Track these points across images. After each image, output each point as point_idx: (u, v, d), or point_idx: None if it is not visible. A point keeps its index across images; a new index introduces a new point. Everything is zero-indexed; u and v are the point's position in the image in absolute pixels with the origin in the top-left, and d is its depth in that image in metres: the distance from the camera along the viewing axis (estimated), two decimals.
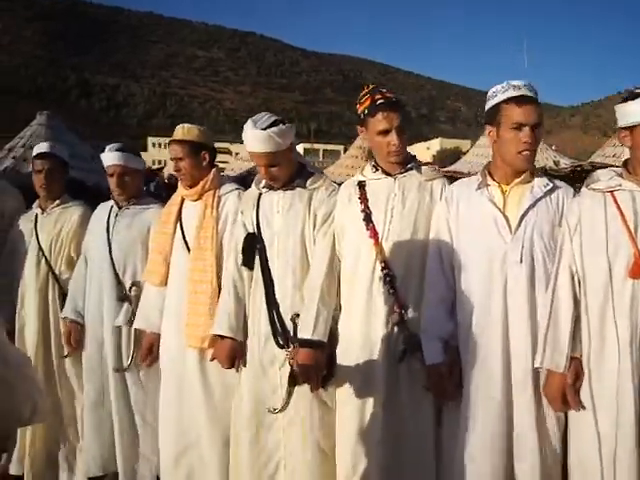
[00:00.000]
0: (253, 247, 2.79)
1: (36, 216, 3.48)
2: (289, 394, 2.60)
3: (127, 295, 3.18)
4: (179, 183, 3.13)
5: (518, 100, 2.30)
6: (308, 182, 2.79)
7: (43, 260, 3.40)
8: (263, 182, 2.84)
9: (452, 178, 2.90)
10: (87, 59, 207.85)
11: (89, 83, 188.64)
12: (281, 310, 2.70)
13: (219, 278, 2.91)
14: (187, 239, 3.01)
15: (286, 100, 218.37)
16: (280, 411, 2.63)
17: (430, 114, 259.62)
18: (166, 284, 3.04)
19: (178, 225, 3.07)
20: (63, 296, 3.37)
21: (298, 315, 2.65)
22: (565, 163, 15.50)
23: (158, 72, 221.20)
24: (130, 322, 3.16)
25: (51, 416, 3.30)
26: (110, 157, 3.27)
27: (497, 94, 2.36)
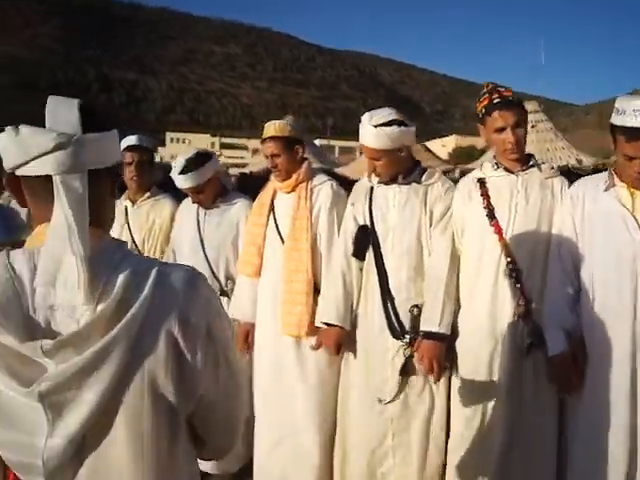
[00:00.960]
0: (366, 239, 2.83)
1: (126, 208, 3.52)
2: (400, 385, 2.67)
3: (225, 290, 3.26)
4: (271, 176, 3.23)
5: None
6: (423, 178, 2.83)
7: (136, 252, 3.46)
8: (375, 175, 2.94)
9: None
10: (106, 54, 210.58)
11: (108, 78, 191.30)
12: (396, 302, 2.75)
13: (314, 268, 2.98)
14: (280, 230, 3.08)
15: (302, 96, 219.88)
16: (390, 402, 2.69)
17: (445, 111, 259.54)
18: (259, 275, 3.10)
19: (271, 217, 3.13)
20: None
21: (416, 306, 2.70)
22: (588, 161, 15.57)
23: (176, 68, 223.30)
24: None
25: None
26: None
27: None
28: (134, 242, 3.40)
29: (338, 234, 2.99)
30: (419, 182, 2.81)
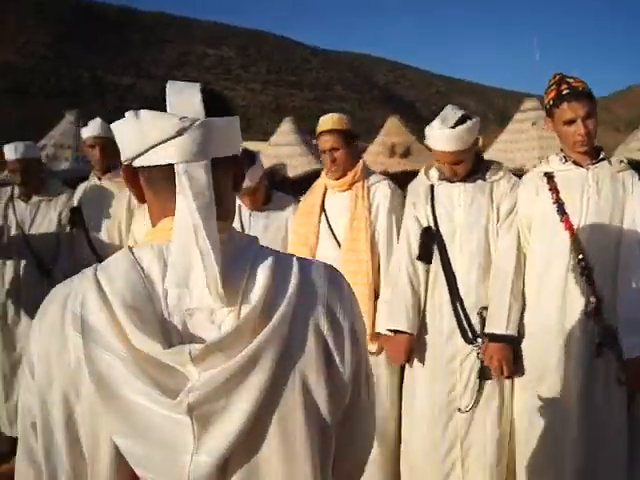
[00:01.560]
0: (431, 241, 2.76)
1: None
2: (479, 390, 2.61)
3: None
4: (322, 173, 3.09)
5: None
6: (487, 174, 2.79)
7: None
8: (434, 173, 2.86)
9: None
10: (100, 59, 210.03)
11: (102, 83, 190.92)
12: (465, 304, 2.68)
13: (374, 270, 2.87)
14: (335, 231, 2.99)
15: (296, 97, 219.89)
16: (471, 408, 2.63)
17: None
18: None
19: (323, 217, 3.02)
20: None
21: (486, 308, 2.64)
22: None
23: (171, 71, 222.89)
24: None
25: None
26: None
27: None
28: None
29: (397, 235, 2.89)
30: (484, 179, 2.75)
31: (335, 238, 2.94)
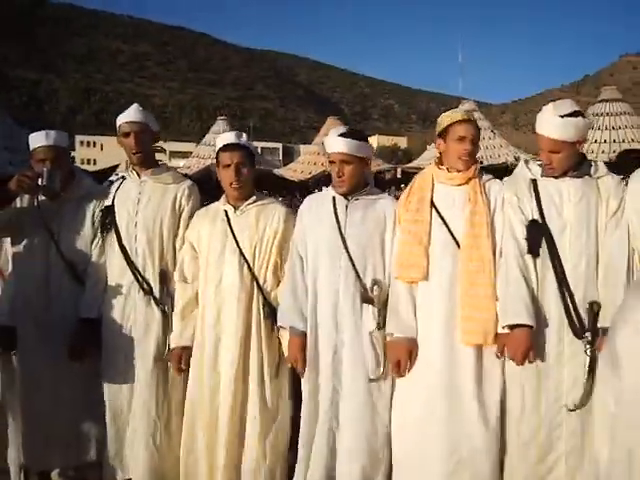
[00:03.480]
0: (538, 235, 2.74)
1: (226, 213, 3.18)
2: (590, 386, 2.56)
3: (370, 297, 2.89)
4: (434, 167, 2.98)
5: None
6: (592, 170, 2.79)
7: (246, 266, 3.10)
8: (536, 168, 2.85)
9: (415, 174, 3.18)
10: (4, 51, 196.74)
11: (8, 77, 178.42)
12: (575, 299, 2.67)
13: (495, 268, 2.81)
14: (450, 226, 2.86)
15: (217, 96, 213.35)
16: (581, 406, 2.59)
17: (363, 111, 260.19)
18: (427, 278, 2.83)
19: (434, 212, 2.89)
20: (268, 306, 3.10)
21: (595, 302, 2.64)
22: (525, 159, 16.44)
23: (81, 67, 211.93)
24: (379, 326, 2.89)
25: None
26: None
27: None
28: (242, 254, 3.12)
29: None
30: (590, 175, 2.78)
31: (451, 234, 2.87)
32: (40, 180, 3.13)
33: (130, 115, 3.31)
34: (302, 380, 3.03)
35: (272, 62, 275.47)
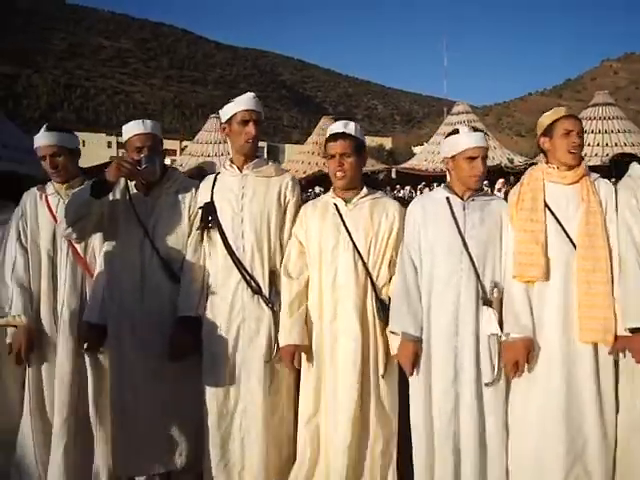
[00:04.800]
0: None
1: (336, 207, 3.13)
2: None
3: (489, 299, 2.88)
4: (543, 166, 3.00)
5: None
6: None
7: (360, 262, 3.05)
8: None
9: (409, 175, 3.30)
10: None
11: None
12: None
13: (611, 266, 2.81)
14: (564, 225, 2.87)
15: (200, 94, 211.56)
16: None
17: (347, 112, 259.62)
18: (547, 277, 2.83)
19: (547, 211, 2.89)
20: (380, 302, 3.06)
21: None
22: (519, 161, 16.99)
23: (61, 62, 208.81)
24: (500, 329, 2.87)
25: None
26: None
27: None
28: (357, 249, 3.06)
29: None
30: None
31: (566, 233, 2.89)
32: (140, 165, 3.06)
33: (251, 104, 3.19)
34: (412, 387, 2.99)
35: (255, 60, 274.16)
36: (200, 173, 9.84)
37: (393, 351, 2.99)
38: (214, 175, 3.30)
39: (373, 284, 3.02)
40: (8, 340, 3.23)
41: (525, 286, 2.84)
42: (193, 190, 3.31)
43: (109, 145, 69.30)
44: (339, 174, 3.05)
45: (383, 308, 2.98)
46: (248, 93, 3.23)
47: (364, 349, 2.99)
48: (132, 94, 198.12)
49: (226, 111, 3.19)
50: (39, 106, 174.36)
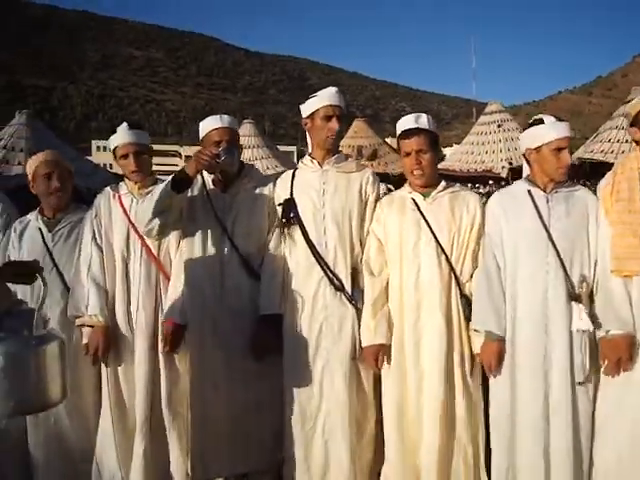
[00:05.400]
0: None
1: (414, 202, 3.02)
2: None
3: (577, 294, 2.76)
4: (634, 153, 2.89)
5: None
6: None
7: (443, 257, 2.95)
8: None
9: (442, 176, 3.17)
10: (18, 60, 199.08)
11: (21, 85, 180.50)
12: None
13: None
14: None
15: (230, 101, 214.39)
16: None
17: (375, 115, 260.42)
18: None
19: None
20: (465, 298, 2.97)
21: None
22: None
23: (95, 73, 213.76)
24: (594, 325, 2.76)
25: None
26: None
27: None
28: (438, 243, 2.97)
29: None
30: None
31: None
32: (219, 158, 2.97)
33: (335, 99, 3.16)
34: (493, 387, 2.90)
35: (283, 66, 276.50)
36: None
37: (476, 350, 2.92)
38: (292, 171, 3.29)
39: (457, 280, 2.94)
40: (84, 340, 3.23)
41: (624, 280, 2.71)
42: (271, 185, 3.27)
43: None
44: (417, 172, 2.96)
45: (467, 304, 2.92)
46: (331, 88, 3.21)
47: (449, 347, 2.92)
48: (163, 102, 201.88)
49: (308, 106, 3.17)
50: (74, 117, 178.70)
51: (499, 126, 13.23)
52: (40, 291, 2.23)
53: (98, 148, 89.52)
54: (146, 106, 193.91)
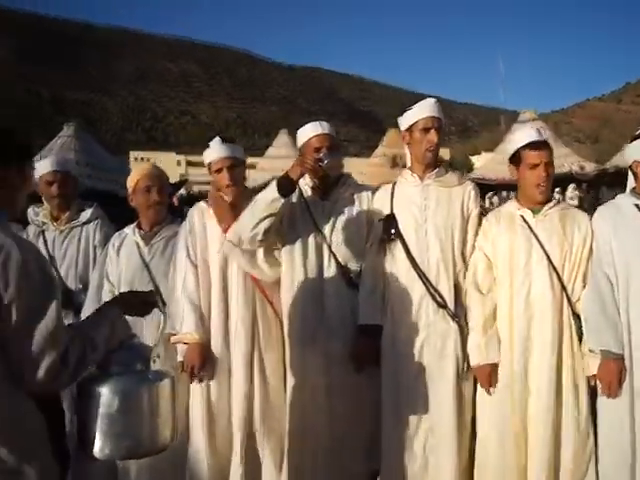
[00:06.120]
0: None
1: (523, 219, 3.01)
2: None
3: None
4: None
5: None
6: None
7: (555, 276, 2.92)
8: None
9: (477, 185, 3.22)
10: (58, 75, 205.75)
11: (63, 100, 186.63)
12: None
13: None
14: None
15: (261, 112, 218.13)
16: None
17: None
18: None
19: None
20: (576, 318, 2.95)
21: None
22: (589, 167, 16.34)
23: (130, 86, 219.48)
24: None
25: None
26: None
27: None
28: (550, 261, 2.92)
29: None
30: None
31: None
32: (322, 162, 2.97)
33: (434, 110, 3.17)
34: (608, 406, 2.86)
35: (312, 78, 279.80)
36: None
37: (589, 371, 2.86)
38: (390, 185, 3.25)
39: (568, 299, 2.89)
40: (179, 358, 3.20)
41: None
42: (369, 194, 3.27)
43: (178, 163, 74.06)
44: (543, 185, 2.92)
45: (580, 324, 2.87)
46: (430, 99, 3.20)
47: (558, 365, 2.88)
48: (198, 114, 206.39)
49: (406, 119, 3.14)
50: (112, 129, 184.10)
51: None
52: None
53: (135, 159, 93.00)
54: (181, 118, 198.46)
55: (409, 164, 3.25)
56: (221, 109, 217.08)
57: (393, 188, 3.21)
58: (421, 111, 3.11)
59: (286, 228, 3.19)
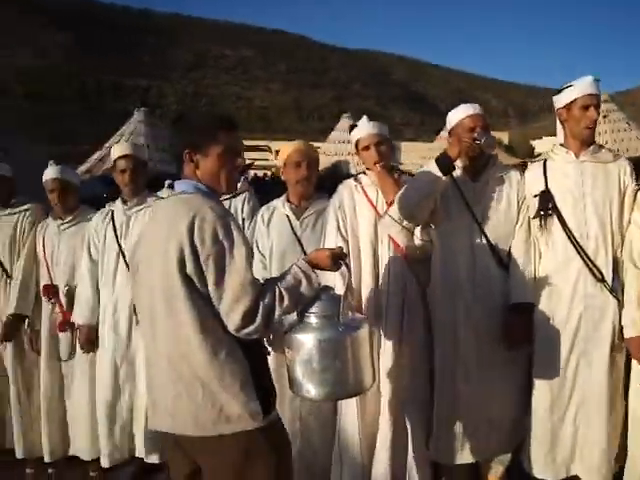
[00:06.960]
0: None
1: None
2: None
3: None
4: None
5: None
6: None
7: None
8: None
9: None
10: (117, 63, 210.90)
11: (122, 86, 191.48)
12: None
13: None
14: None
15: (316, 97, 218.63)
16: None
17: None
18: None
19: None
20: None
21: None
22: None
23: (188, 73, 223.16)
24: None
25: None
26: None
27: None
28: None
29: None
30: None
31: None
32: (479, 140, 3.02)
33: (594, 88, 3.17)
34: None
35: (368, 62, 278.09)
36: (336, 171, 10.30)
37: None
38: (542, 162, 3.29)
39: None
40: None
41: None
42: (517, 174, 3.32)
43: None
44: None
45: None
46: (588, 76, 3.19)
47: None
48: (253, 99, 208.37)
49: (565, 96, 3.17)
50: (169, 115, 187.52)
51: (604, 117, 12.27)
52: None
53: None
54: (237, 103, 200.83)
55: (561, 141, 3.29)
56: (276, 94, 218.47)
57: (545, 165, 3.26)
58: (581, 89, 3.12)
59: (438, 208, 3.20)
